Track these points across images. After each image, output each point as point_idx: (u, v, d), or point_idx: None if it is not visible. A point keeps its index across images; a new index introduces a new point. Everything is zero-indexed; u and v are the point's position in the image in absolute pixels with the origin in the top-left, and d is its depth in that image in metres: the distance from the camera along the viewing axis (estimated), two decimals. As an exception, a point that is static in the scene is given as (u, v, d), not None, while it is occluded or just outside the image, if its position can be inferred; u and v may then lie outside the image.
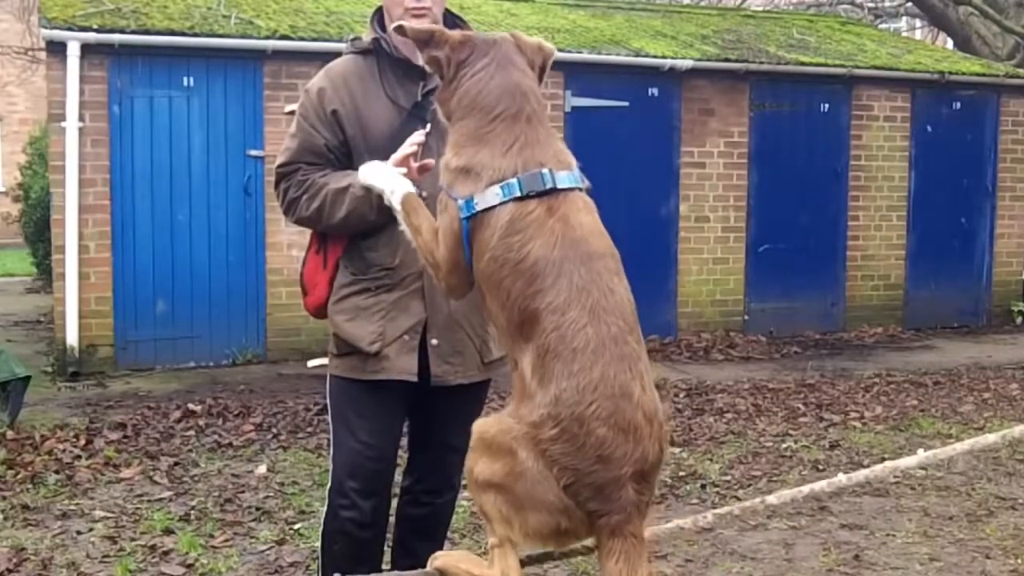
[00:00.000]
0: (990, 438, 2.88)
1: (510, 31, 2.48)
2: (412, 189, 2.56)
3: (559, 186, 2.22)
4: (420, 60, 2.96)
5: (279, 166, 3.05)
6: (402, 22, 2.51)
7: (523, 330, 2.17)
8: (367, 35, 3.05)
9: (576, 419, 2.06)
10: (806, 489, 2.63)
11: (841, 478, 2.65)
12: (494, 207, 2.20)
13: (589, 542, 2.49)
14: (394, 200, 2.55)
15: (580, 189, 2.29)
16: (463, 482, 3.62)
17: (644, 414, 2.09)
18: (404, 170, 2.72)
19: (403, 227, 2.52)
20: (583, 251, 2.17)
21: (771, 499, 2.60)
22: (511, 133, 2.25)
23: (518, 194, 2.19)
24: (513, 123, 2.26)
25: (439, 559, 2.41)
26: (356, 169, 2.93)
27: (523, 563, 2.34)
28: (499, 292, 2.20)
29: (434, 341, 2.96)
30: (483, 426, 2.22)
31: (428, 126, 2.85)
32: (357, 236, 2.97)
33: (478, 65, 2.32)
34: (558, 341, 2.10)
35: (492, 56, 2.33)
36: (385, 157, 2.80)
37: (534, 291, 2.14)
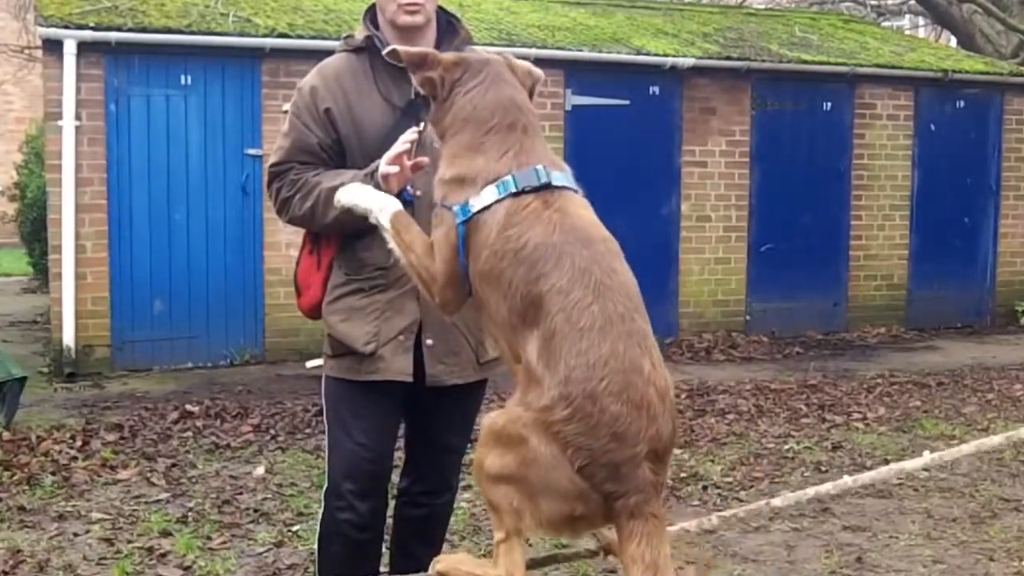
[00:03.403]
0: (995, 440, 2.84)
1: (501, 54, 2.51)
2: (399, 206, 2.50)
3: (554, 183, 2.25)
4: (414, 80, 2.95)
5: (272, 165, 3.03)
6: (395, 47, 2.50)
7: (527, 318, 2.16)
8: (360, 33, 3.01)
9: (588, 396, 2.04)
10: (811, 491, 2.60)
11: (847, 480, 2.60)
12: (490, 206, 2.22)
13: (593, 545, 2.46)
14: (383, 219, 2.47)
15: (574, 191, 2.31)
16: (462, 482, 3.59)
17: (656, 391, 2.09)
18: (396, 169, 2.70)
19: (392, 245, 2.45)
20: (582, 236, 2.20)
21: (776, 502, 2.56)
22: (505, 143, 2.28)
23: (513, 190, 2.22)
24: (508, 133, 2.29)
25: (440, 563, 2.38)
26: (349, 168, 2.90)
27: (528, 566, 2.30)
28: (500, 284, 2.20)
29: (429, 341, 2.94)
30: (491, 418, 2.20)
31: (422, 124, 2.82)
32: (351, 236, 2.94)
33: (471, 83, 2.35)
34: (564, 321, 2.09)
35: (485, 74, 2.36)
36: (378, 155, 2.78)
37: (536, 275, 2.14)
